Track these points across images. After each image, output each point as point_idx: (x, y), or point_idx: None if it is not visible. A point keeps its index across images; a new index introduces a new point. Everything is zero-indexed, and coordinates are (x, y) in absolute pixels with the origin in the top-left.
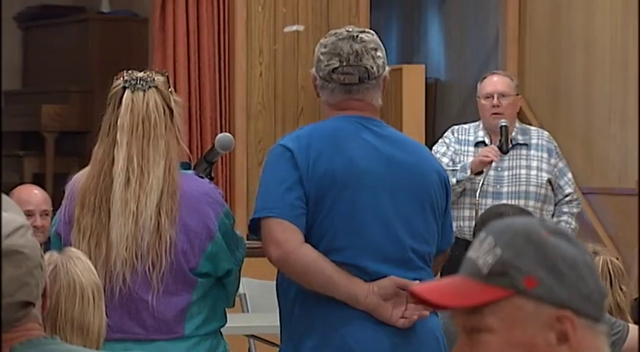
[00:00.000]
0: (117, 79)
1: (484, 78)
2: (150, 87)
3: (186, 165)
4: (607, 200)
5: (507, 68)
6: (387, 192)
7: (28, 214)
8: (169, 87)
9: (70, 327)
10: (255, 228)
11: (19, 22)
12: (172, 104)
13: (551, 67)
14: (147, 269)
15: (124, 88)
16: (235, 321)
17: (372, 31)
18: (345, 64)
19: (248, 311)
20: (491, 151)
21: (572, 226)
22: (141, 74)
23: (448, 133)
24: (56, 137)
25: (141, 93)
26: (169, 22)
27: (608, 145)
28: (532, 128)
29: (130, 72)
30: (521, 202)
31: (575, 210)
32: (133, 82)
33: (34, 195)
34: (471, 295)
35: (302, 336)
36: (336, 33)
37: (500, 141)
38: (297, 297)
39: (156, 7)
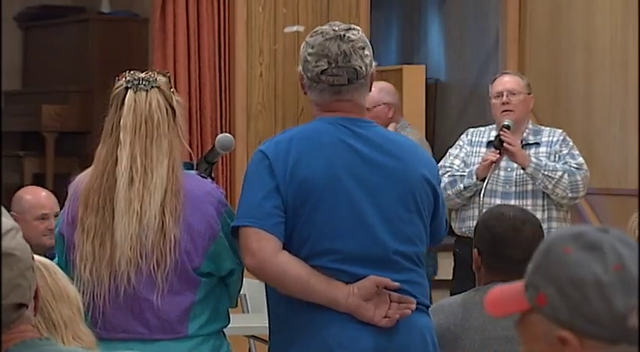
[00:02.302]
0: (119, 79)
1: (495, 78)
2: (152, 87)
3: (188, 166)
4: (607, 200)
5: (507, 68)
6: (369, 196)
7: (44, 218)
8: (171, 87)
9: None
10: (235, 234)
11: (19, 22)
12: (175, 104)
13: (551, 67)
14: (151, 268)
15: (127, 89)
16: (235, 321)
17: (358, 28)
18: (333, 65)
19: (248, 312)
20: (488, 154)
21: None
22: (143, 74)
23: (462, 136)
24: (56, 137)
25: (143, 94)
26: (169, 22)
27: (607, 145)
28: (546, 128)
29: (131, 72)
30: (529, 201)
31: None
32: (135, 83)
33: (46, 197)
34: (507, 305)
35: (287, 340)
36: (322, 32)
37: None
38: (282, 301)
39: (156, 7)
